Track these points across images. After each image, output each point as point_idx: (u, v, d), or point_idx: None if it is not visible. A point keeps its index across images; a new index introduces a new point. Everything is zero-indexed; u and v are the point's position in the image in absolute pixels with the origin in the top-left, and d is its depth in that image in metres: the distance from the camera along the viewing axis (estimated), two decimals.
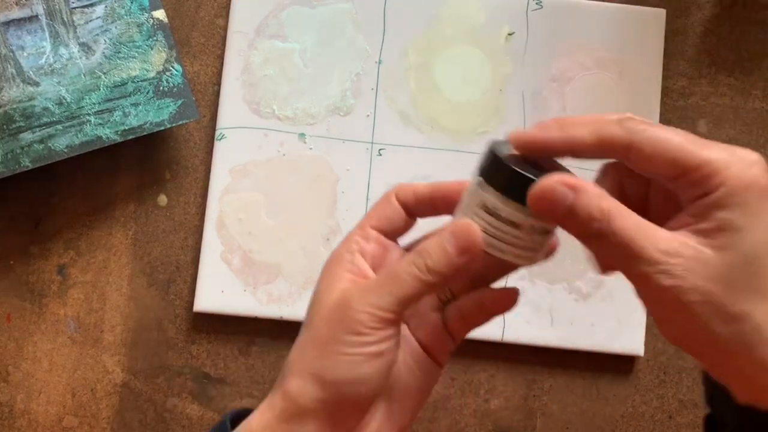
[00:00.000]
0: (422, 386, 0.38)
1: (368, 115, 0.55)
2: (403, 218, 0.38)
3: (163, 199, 0.55)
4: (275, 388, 0.36)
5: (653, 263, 0.31)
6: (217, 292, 0.53)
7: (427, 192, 0.38)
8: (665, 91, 0.56)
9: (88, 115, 0.51)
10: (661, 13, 0.56)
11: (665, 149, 0.31)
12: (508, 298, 0.37)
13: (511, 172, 0.31)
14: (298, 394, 0.35)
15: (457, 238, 0.34)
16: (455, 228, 0.34)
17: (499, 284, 0.39)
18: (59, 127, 0.50)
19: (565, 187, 0.31)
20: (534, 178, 0.31)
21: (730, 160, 0.30)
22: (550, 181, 0.31)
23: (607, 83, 0.55)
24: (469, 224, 0.33)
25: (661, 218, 0.32)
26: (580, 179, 0.31)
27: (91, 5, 0.51)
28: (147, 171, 0.55)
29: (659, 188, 0.35)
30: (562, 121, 0.32)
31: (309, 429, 0.35)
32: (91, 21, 0.51)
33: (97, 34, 0.51)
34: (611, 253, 0.32)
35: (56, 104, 0.50)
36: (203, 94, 0.55)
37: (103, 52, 0.51)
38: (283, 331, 0.54)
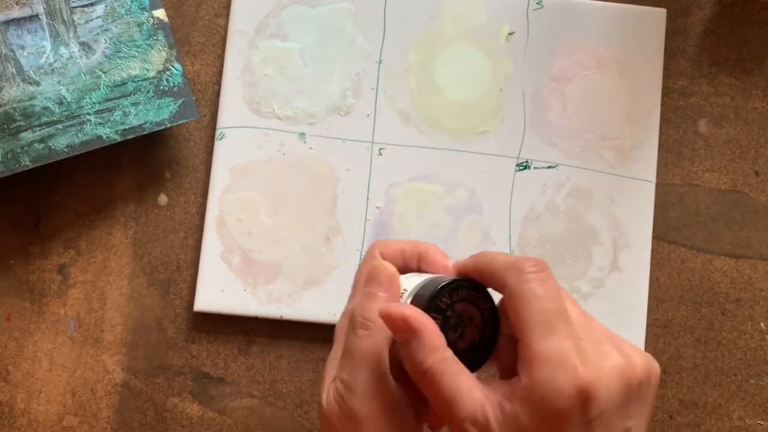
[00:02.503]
0: None
1: (368, 115, 0.55)
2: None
3: (163, 199, 0.55)
4: None
5: (462, 421, 0.33)
6: (217, 291, 0.53)
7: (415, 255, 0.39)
8: (666, 91, 0.56)
9: (89, 114, 0.51)
10: (662, 12, 0.56)
11: (520, 313, 0.33)
12: None
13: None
14: None
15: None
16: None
17: None
18: (59, 126, 0.50)
19: (404, 325, 0.33)
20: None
21: (550, 363, 0.31)
22: (397, 312, 0.33)
23: (607, 83, 0.55)
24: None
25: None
26: (425, 322, 0.34)
27: (92, 4, 0.51)
28: (147, 170, 0.55)
29: None
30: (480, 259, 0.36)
31: None
32: (91, 20, 0.51)
33: (98, 34, 0.51)
34: (432, 399, 0.34)
35: (56, 104, 0.50)
36: (203, 94, 0.56)
37: (104, 52, 0.51)
38: (283, 330, 0.54)
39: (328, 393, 0.37)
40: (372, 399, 0.35)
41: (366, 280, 0.37)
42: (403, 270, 0.40)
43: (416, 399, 0.38)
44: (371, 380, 0.35)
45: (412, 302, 0.36)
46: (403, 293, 0.37)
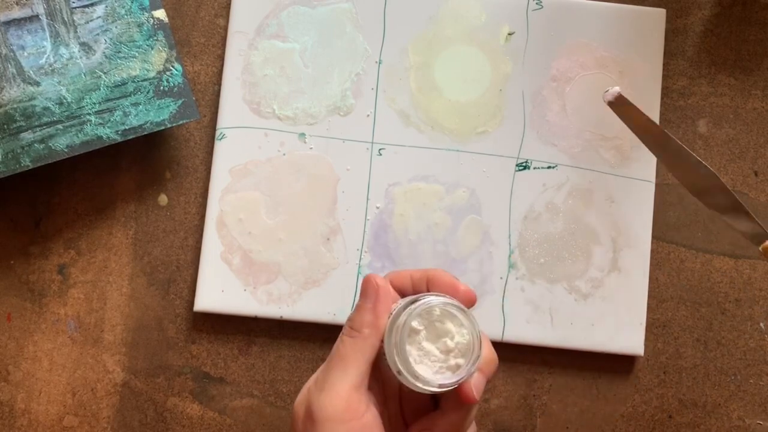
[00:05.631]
0: None
1: (368, 115, 0.55)
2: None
3: (163, 199, 0.55)
4: None
5: None
6: (217, 291, 0.53)
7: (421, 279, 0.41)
8: (665, 91, 0.56)
9: (89, 114, 0.51)
10: (661, 12, 0.56)
11: None
12: None
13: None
14: None
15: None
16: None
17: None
18: (60, 126, 0.50)
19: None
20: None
21: None
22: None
23: (607, 83, 0.55)
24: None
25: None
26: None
27: (92, 5, 0.51)
28: (147, 171, 0.55)
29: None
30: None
31: None
32: (91, 21, 0.51)
33: (98, 34, 0.51)
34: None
35: (57, 104, 0.50)
36: (203, 94, 0.56)
37: (104, 52, 0.51)
38: (283, 330, 0.54)
39: (303, 389, 0.38)
40: (336, 400, 0.35)
41: (360, 294, 0.38)
42: (413, 293, 0.40)
43: (398, 424, 0.39)
44: (342, 383, 0.36)
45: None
46: (396, 308, 0.38)
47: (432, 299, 0.36)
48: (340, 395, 0.35)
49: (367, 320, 0.37)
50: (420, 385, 0.36)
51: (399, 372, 0.36)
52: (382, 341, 0.37)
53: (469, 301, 0.38)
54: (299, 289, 0.53)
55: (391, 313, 0.38)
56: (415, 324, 0.36)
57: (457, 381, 0.36)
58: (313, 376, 0.38)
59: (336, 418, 0.35)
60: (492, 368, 0.38)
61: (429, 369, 0.36)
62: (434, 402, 0.40)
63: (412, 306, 0.36)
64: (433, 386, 0.36)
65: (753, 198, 0.56)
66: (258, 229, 0.54)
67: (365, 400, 0.36)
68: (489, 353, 0.38)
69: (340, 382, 0.36)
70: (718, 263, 0.55)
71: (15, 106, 0.50)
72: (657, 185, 0.55)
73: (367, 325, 0.37)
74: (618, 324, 0.53)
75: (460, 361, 0.36)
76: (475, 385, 0.36)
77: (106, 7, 0.51)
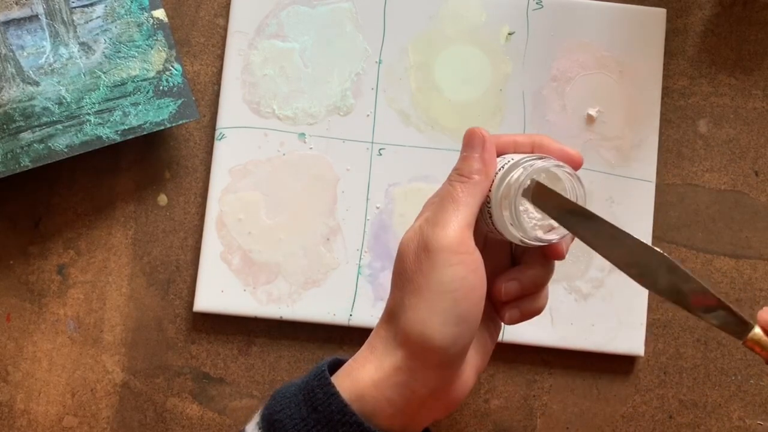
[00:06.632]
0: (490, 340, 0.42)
1: (368, 115, 0.55)
2: None
3: (163, 199, 0.55)
4: (380, 344, 0.38)
5: None
6: (217, 291, 0.53)
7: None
8: (665, 91, 0.56)
9: (88, 114, 0.51)
10: (662, 12, 0.56)
11: None
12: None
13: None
14: (420, 339, 0.36)
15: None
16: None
17: None
18: (59, 126, 0.50)
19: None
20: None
21: None
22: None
23: (607, 83, 0.55)
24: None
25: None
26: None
27: (91, 5, 0.51)
28: (147, 171, 0.55)
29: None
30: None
31: (428, 375, 0.37)
32: (91, 20, 0.51)
33: (97, 34, 0.51)
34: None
35: (56, 104, 0.50)
36: (203, 94, 0.56)
37: (103, 52, 0.51)
38: (283, 331, 0.54)
39: (408, 230, 0.39)
40: (451, 233, 0.37)
41: (463, 146, 0.40)
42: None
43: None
44: (455, 221, 0.37)
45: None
46: (507, 164, 0.39)
47: (547, 162, 0.38)
48: (455, 230, 0.37)
49: (477, 167, 0.38)
50: (523, 238, 0.37)
51: (510, 224, 0.37)
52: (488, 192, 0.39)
53: (578, 165, 0.40)
54: (299, 289, 0.53)
55: (500, 169, 0.39)
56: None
57: (561, 237, 0.38)
58: (422, 217, 0.39)
59: (451, 248, 0.36)
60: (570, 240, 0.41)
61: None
62: (512, 265, 0.42)
63: (528, 164, 0.37)
64: (536, 240, 0.38)
65: (753, 198, 0.56)
66: (258, 229, 0.54)
67: (473, 241, 0.38)
68: None
69: (453, 220, 0.37)
70: (719, 263, 0.55)
71: (14, 106, 0.50)
72: (657, 185, 0.55)
73: (477, 171, 0.38)
74: (618, 324, 0.53)
75: (554, 222, 0.38)
76: (565, 245, 0.39)
77: (106, 6, 0.51)
